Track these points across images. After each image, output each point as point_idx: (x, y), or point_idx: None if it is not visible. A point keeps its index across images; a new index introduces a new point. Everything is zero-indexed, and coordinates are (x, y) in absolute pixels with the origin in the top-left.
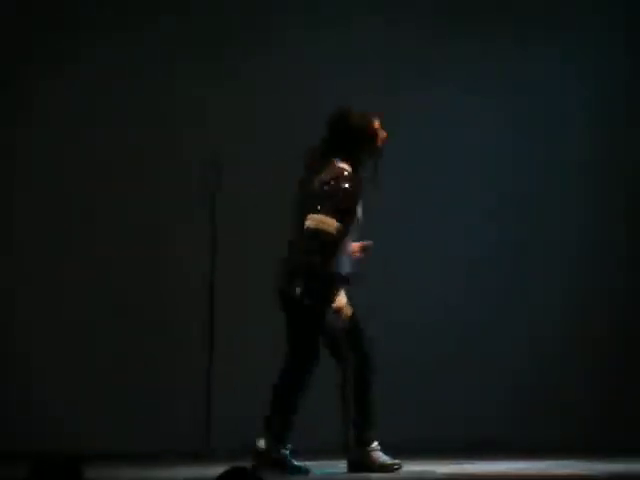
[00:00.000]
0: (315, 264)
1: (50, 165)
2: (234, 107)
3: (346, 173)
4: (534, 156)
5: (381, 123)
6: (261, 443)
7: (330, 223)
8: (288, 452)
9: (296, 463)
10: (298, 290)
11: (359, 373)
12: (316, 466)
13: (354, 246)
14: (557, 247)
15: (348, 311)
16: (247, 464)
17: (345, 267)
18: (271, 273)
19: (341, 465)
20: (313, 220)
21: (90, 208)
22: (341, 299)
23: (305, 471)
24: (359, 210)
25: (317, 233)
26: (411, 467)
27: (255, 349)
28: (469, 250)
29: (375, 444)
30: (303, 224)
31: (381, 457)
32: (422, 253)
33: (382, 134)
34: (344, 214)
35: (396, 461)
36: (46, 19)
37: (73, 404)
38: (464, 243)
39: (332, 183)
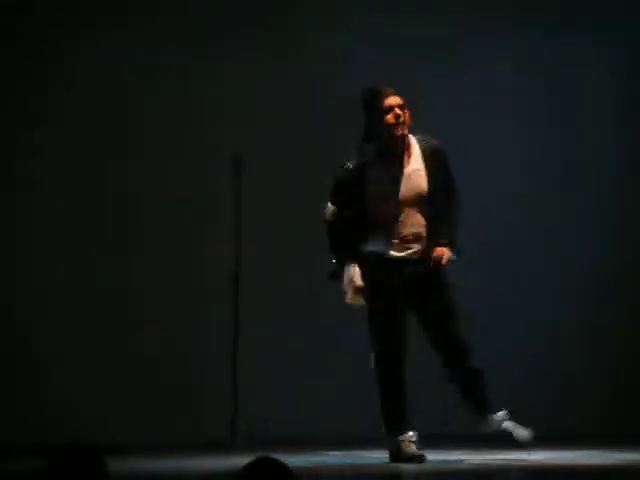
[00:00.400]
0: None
1: (51, 165)
2: (234, 107)
3: (351, 159)
4: (534, 156)
5: (404, 101)
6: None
7: (326, 210)
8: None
9: None
10: None
11: (376, 367)
12: (348, 456)
13: (436, 250)
14: (557, 247)
15: (353, 289)
16: (272, 454)
17: (374, 246)
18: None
19: (372, 456)
20: None
21: (91, 208)
22: (349, 277)
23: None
24: (370, 191)
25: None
26: (439, 456)
27: (279, 343)
28: (469, 250)
29: (409, 434)
30: None
31: (407, 448)
32: None
33: (396, 111)
34: (340, 199)
35: (420, 452)
36: (46, 19)
37: (99, 397)
38: (464, 243)
39: None
